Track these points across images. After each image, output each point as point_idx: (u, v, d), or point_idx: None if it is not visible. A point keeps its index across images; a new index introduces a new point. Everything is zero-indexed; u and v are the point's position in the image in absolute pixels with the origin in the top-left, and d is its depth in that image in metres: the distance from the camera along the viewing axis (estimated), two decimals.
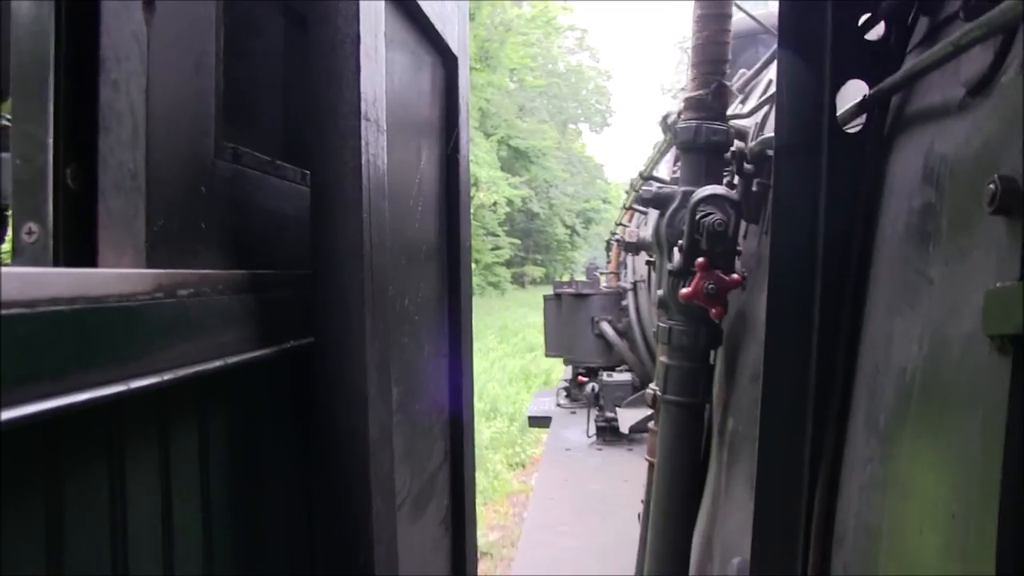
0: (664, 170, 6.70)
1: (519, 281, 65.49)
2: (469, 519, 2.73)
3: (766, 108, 3.51)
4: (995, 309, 1.35)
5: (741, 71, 4.88)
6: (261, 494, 1.68)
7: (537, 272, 69.69)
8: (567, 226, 74.38)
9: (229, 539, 1.54)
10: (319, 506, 1.72)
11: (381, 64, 1.79)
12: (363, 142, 1.65)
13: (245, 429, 1.61)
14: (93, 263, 1.20)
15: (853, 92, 2.12)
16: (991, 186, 1.36)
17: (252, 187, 1.76)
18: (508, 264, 58.98)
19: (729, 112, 3.72)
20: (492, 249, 54.16)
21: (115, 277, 1.15)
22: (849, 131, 2.13)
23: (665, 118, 4.55)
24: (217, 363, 1.38)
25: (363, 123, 1.65)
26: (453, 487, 2.62)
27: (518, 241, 61.04)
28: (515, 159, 59.26)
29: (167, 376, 1.20)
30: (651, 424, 4.19)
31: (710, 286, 3.17)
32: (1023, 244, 1.31)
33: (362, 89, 1.65)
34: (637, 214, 8.75)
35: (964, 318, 1.52)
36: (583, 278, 11.77)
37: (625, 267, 11.29)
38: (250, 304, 1.55)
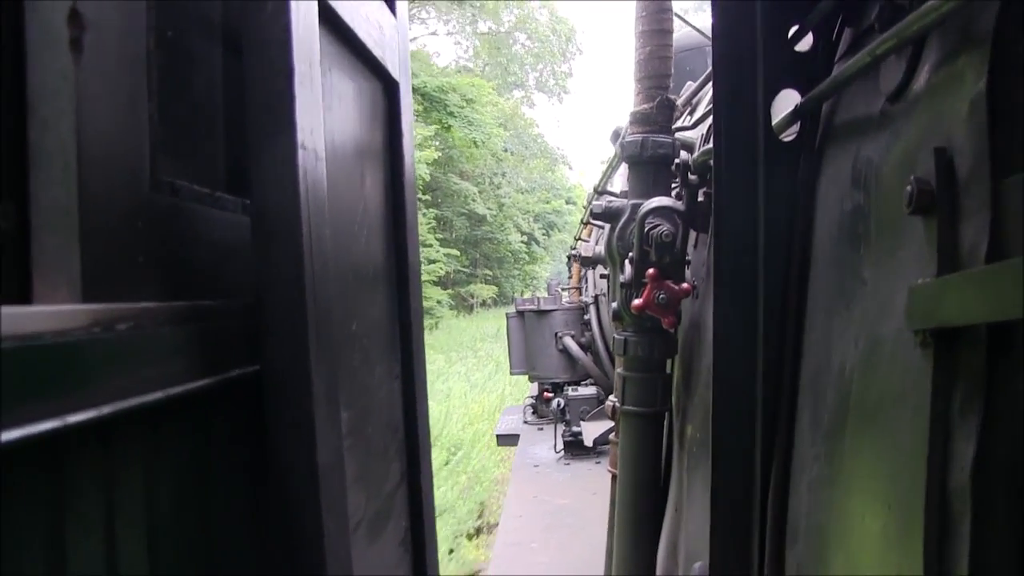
0: (618, 184, 6.75)
1: (464, 305, 53.36)
2: (429, 539, 2.74)
3: (710, 119, 3.56)
4: (916, 305, 1.40)
5: (688, 83, 4.94)
6: (211, 523, 1.69)
7: (487, 292, 55.64)
8: (523, 233, 61.01)
9: (179, 572, 1.54)
10: (271, 532, 1.73)
11: (317, 93, 1.81)
12: (300, 171, 1.66)
13: (192, 459, 1.62)
14: (28, 302, 1.21)
15: (787, 101, 2.16)
16: (908, 188, 1.41)
17: (191, 219, 1.77)
18: (445, 283, 47.04)
19: (677, 124, 3.77)
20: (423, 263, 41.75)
21: (49, 314, 1.16)
22: (784, 139, 2.18)
23: (616, 133, 4.60)
24: (159, 394, 1.38)
25: (300, 152, 1.66)
26: (411, 508, 2.63)
27: (457, 252, 47.71)
28: (426, 110, 38.76)
29: (106, 409, 1.21)
30: (612, 436, 4.22)
31: (661, 296, 3.22)
32: (938, 242, 1.36)
33: (298, 118, 1.66)
34: (596, 229, 8.81)
35: (894, 316, 1.57)
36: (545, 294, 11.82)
37: (586, 281, 11.35)
38: (193, 335, 1.56)
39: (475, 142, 44.99)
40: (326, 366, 1.76)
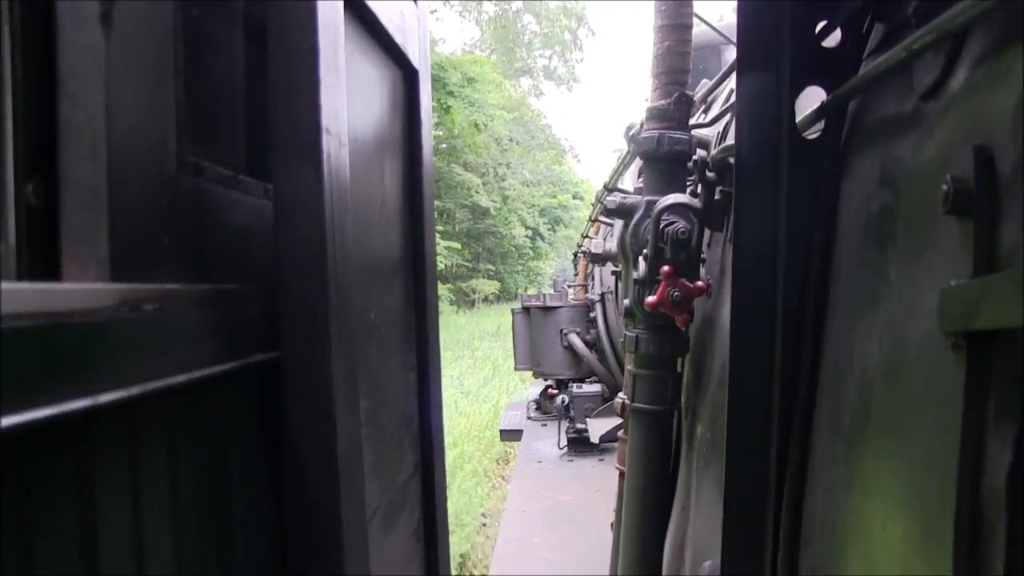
0: (629, 181, 6.73)
1: (465, 300, 50.92)
2: (441, 530, 2.73)
3: (728, 117, 3.54)
4: (949, 307, 1.38)
5: (703, 81, 4.92)
6: (232, 507, 1.68)
7: (489, 287, 53.75)
8: (528, 227, 58.08)
9: (200, 553, 1.53)
10: (290, 518, 1.72)
11: (342, 77, 1.79)
12: (324, 155, 1.65)
13: (214, 442, 1.61)
14: (57, 279, 1.20)
15: (812, 99, 2.14)
16: (944, 187, 1.39)
17: (215, 202, 1.76)
18: (446, 277, 46.03)
19: (692, 122, 3.75)
20: None
21: (79, 292, 1.15)
22: (808, 137, 2.16)
23: (629, 129, 4.58)
24: (183, 377, 1.37)
25: (324, 136, 1.65)
26: (424, 499, 2.62)
27: (458, 245, 46.72)
28: None
29: (134, 390, 1.20)
30: (620, 433, 4.21)
31: (675, 294, 3.20)
32: (975, 243, 1.34)
33: (322, 102, 1.65)
34: (604, 226, 8.79)
35: (921, 317, 1.55)
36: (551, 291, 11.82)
37: (593, 279, 11.34)
38: (216, 318, 1.55)
39: (477, 125, 42.02)
40: (345, 354, 1.75)
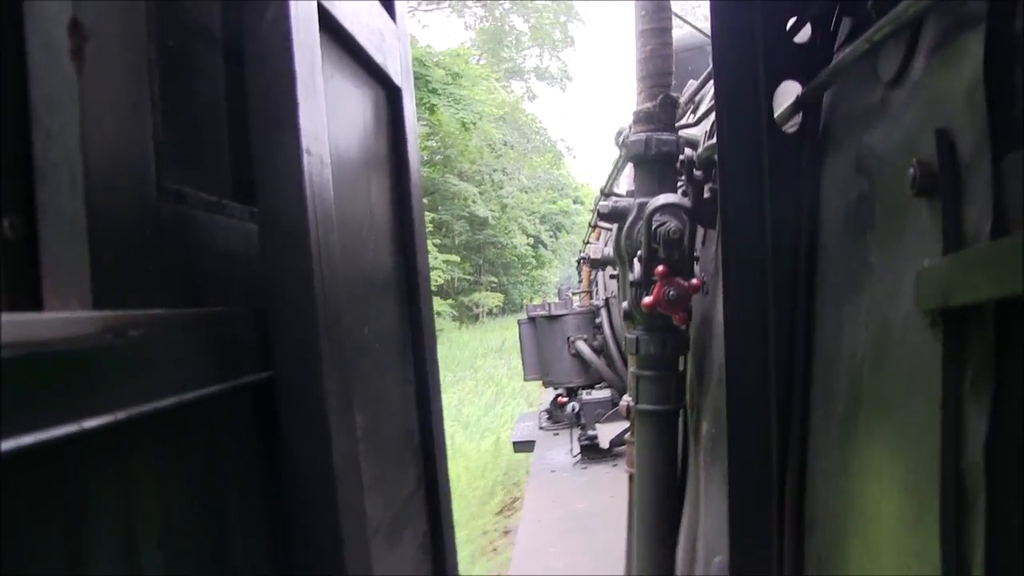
0: (624, 185, 6.76)
1: (468, 315, 48.12)
2: (448, 542, 2.74)
3: (713, 115, 3.56)
4: (924, 286, 1.40)
5: (690, 82, 4.95)
6: (228, 529, 1.69)
7: (492, 300, 50.99)
8: (529, 235, 55.21)
9: None
10: (289, 537, 1.73)
11: (320, 99, 1.81)
12: (307, 176, 1.67)
13: (207, 464, 1.62)
14: (39, 310, 1.22)
15: (789, 93, 2.17)
16: (911, 170, 1.42)
17: (199, 227, 1.78)
18: (447, 292, 43.94)
19: (680, 122, 3.78)
20: None
21: (61, 321, 1.17)
22: (787, 131, 2.18)
23: (619, 134, 4.60)
24: (172, 399, 1.39)
25: (305, 158, 1.67)
26: (430, 511, 2.63)
27: (457, 258, 43.56)
28: None
29: (121, 414, 1.22)
30: (628, 435, 4.22)
31: (671, 293, 3.22)
32: (943, 223, 1.36)
33: (302, 125, 1.67)
34: (603, 231, 8.80)
35: (901, 299, 1.57)
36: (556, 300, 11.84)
37: (596, 285, 11.36)
38: (204, 340, 1.57)
39: (464, 124, 38.97)
40: (338, 371, 1.77)
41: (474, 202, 45.92)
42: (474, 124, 40.29)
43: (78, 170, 1.32)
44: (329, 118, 1.88)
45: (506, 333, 36.58)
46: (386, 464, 2.25)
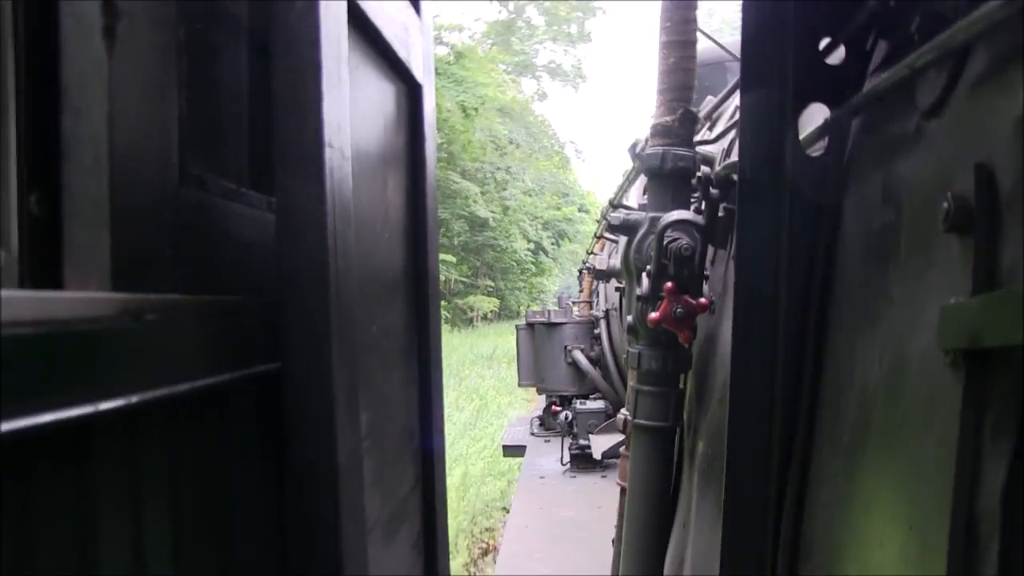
0: (634, 197, 6.74)
1: (462, 318, 47.08)
2: (441, 542, 2.73)
3: (732, 134, 3.56)
4: (949, 324, 1.38)
5: (708, 98, 4.94)
6: (232, 517, 1.68)
7: (488, 304, 49.40)
8: (531, 240, 53.63)
9: (200, 564, 1.54)
10: (290, 528, 1.72)
11: (344, 92, 1.80)
12: (327, 169, 1.66)
13: (215, 452, 1.61)
14: (59, 289, 1.21)
15: (815, 116, 2.15)
16: (945, 205, 1.39)
17: (218, 214, 1.77)
18: (442, 293, 35.76)
19: (697, 138, 3.77)
20: None
21: (81, 301, 1.16)
22: (811, 154, 2.16)
23: (634, 146, 4.59)
24: (185, 386, 1.38)
25: (327, 150, 1.66)
26: (425, 511, 2.62)
27: (454, 259, 42.68)
28: None
29: (134, 399, 1.21)
30: (623, 449, 4.21)
31: (678, 310, 3.21)
32: (974, 261, 1.34)
33: (325, 117, 1.66)
34: (608, 243, 8.79)
35: (921, 334, 1.55)
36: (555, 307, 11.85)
37: (597, 295, 11.35)
38: (217, 329, 1.56)
39: (464, 109, 37.58)
40: (347, 367, 1.75)
41: (475, 202, 44.88)
42: (475, 111, 38.63)
43: (103, 150, 1.31)
44: (351, 111, 1.87)
45: (499, 340, 36.23)
46: (386, 462, 2.24)
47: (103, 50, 1.33)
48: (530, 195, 55.52)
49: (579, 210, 63.01)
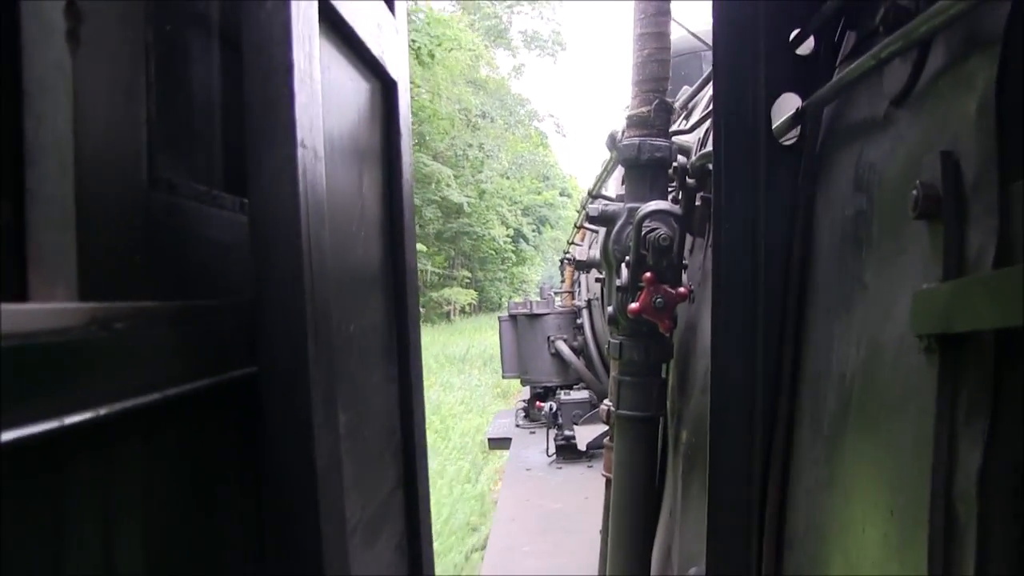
0: (613, 188, 6.75)
1: (438, 312, 43.57)
2: (425, 542, 2.72)
3: (707, 123, 3.56)
4: (921, 310, 1.39)
5: (684, 88, 4.94)
6: (209, 525, 1.67)
7: (466, 297, 45.86)
8: (510, 227, 50.03)
9: (178, 573, 1.52)
10: (268, 533, 1.71)
11: (317, 91, 1.79)
12: (300, 169, 1.64)
13: (191, 460, 1.60)
14: (24, 299, 1.19)
15: (788, 105, 2.16)
16: (913, 192, 1.40)
17: (189, 217, 1.75)
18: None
19: (673, 128, 3.77)
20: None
21: (46, 312, 1.14)
22: (785, 143, 2.17)
23: (611, 136, 4.59)
24: (157, 395, 1.37)
25: (299, 150, 1.64)
26: (407, 511, 2.61)
27: (426, 249, 39.08)
28: None
29: (103, 410, 1.19)
30: (607, 440, 4.21)
31: (658, 300, 3.21)
32: (944, 247, 1.34)
33: (297, 116, 1.65)
34: (589, 233, 8.80)
35: (895, 320, 1.56)
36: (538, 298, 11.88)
37: (579, 285, 11.37)
38: (190, 334, 1.55)
39: (419, 56, 33.24)
40: (324, 368, 1.74)
41: (448, 186, 41.50)
42: (431, 57, 34.98)
43: (68, 155, 1.29)
44: (324, 110, 1.85)
45: (476, 336, 33.91)
46: (367, 463, 2.23)
47: (67, 53, 1.32)
48: (508, 177, 52.20)
49: (561, 194, 60.48)
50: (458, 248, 47.54)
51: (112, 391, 1.24)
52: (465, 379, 23.22)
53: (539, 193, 57.55)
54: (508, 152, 49.76)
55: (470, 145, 45.12)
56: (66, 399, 1.12)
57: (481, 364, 26.09)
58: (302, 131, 1.67)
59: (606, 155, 6.95)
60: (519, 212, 53.45)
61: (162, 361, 1.43)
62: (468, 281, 49.01)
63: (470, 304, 48.35)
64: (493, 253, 50.44)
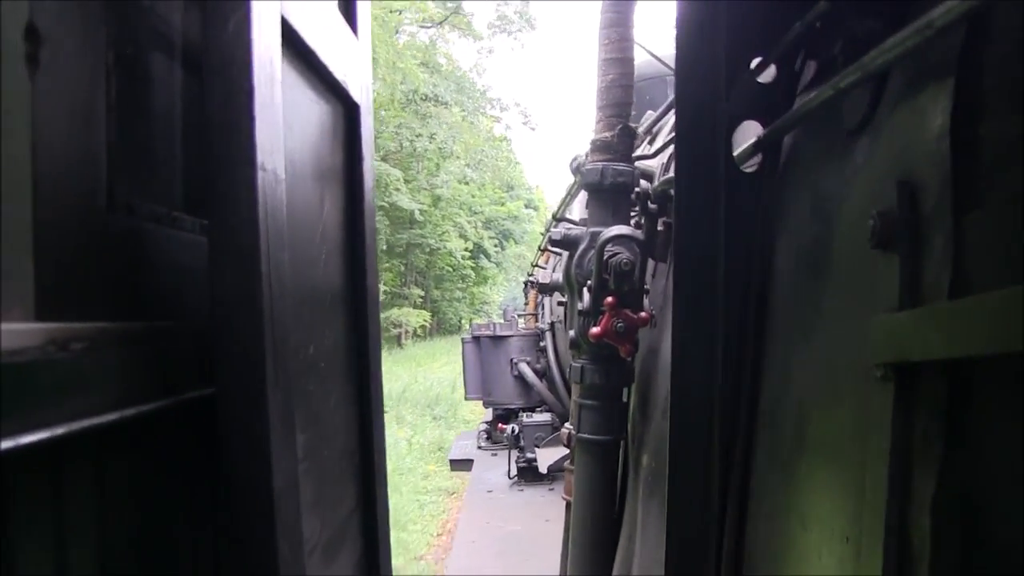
0: (577, 211, 6.77)
1: (386, 336, 35.59)
2: (384, 563, 2.71)
3: (671, 149, 3.58)
4: (879, 338, 1.40)
5: (648, 113, 4.97)
6: (164, 546, 1.66)
7: (417, 319, 40.17)
8: (468, 240, 44.43)
9: None
10: (226, 556, 1.70)
11: (278, 114, 1.79)
12: (259, 192, 1.64)
13: (146, 481, 1.59)
14: None
15: (749, 132, 2.17)
16: (871, 222, 1.41)
17: (148, 239, 1.74)
18: None
19: (637, 153, 3.79)
20: None
21: (3, 332, 1.14)
22: (746, 170, 2.18)
23: (574, 160, 4.61)
24: (114, 415, 1.36)
25: (259, 173, 1.64)
26: (365, 532, 2.60)
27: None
28: None
29: (60, 431, 1.19)
30: (567, 463, 4.22)
31: (619, 324, 3.22)
32: (900, 276, 1.36)
33: (257, 139, 1.64)
34: (553, 255, 8.83)
35: (852, 348, 1.57)
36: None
37: (543, 308, 11.38)
38: (148, 356, 1.54)
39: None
40: (282, 390, 1.74)
41: (397, 190, 35.69)
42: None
43: (27, 177, 1.29)
44: (286, 133, 1.85)
45: (425, 365, 28.77)
46: (325, 484, 2.22)
47: (26, 76, 1.31)
48: (467, 182, 44.63)
49: (526, 206, 55.34)
50: (409, 263, 42.64)
51: (69, 411, 1.23)
52: (391, 437, 15.55)
53: (502, 204, 52.18)
54: (464, 145, 41.42)
55: (419, 135, 37.35)
56: (22, 419, 1.11)
57: (421, 408, 20.39)
58: (262, 154, 1.67)
59: (567, 186, 6.99)
60: (479, 224, 48.05)
61: (119, 381, 1.43)
62: (421, 300, 43.81)
63: (422, 326, 42.75)
64: (450, 269, 45.57)
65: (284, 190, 1.80)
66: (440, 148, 38.86)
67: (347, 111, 2.60)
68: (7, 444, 1.06)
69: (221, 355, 1.66)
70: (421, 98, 37.65)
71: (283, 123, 1.83)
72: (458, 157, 41.17)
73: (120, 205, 1.63)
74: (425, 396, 21.87)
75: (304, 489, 1.92)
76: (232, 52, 1.65)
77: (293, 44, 1.99)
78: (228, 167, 1.64)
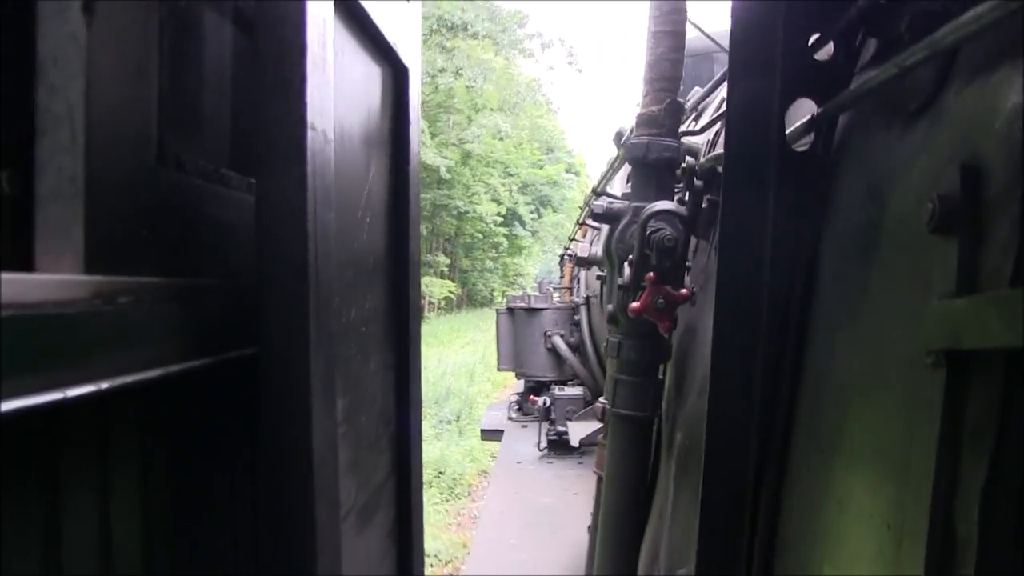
0: (618, 186, 6.74)
1: None
2: (416, 530, 2.72)
3: (718, 126, 3.54)
4: (932, 324, 1.37)
5: (695, 89, 4.92)
6: (204, 505, 1.66)
7: (440, 290, 36.71)
8: (501, 203, 40.22)
9: (169, 552, 1.52)
10: (263, 516, 1.70)
11: (329, 74, 1.78)
12: (309, 152, 1.63)
13: (187, 438, 1.59)
14: (31, 269, 1.18)
15: (802, 110, 2.14)
16: (930, 205, 1.38)
17: (196, 196, 1.74)
18: None
19: (682, 129, 3.75)
20: None
21: (52, 283, 1.14)
22: (797, 149, 2.15)
23: (619, 134, 4.57)
24: (158, 371, 1.36)
25: (309, 133, 1.63)
26: (399, 499, 2.61)
27: None
28: None
29: (105, 384, 1.19)
30: (600, 437, 4.21)
31: (659, 301, 3.19)
32: (958, 261, 1.33)
33: (308, 99, 1.63)
34: (591, 230, 8.79)
35: (902, 333, 1.54)
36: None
37: (578, 282, 11.36)
38: (193, 313, 1.54)
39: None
40: (324, 353, 1.73)
41: (422, 143, 24.97)
42: None
43: (79, 127, 1.28)
44: (335, 93, 1.84)
45: (449, 344, 25.78)
46: (362, 449, 2.22)
47: (82, 25, 1.31)
48: (501, 138, 40.16)
49: (567, 171, 50.17)
50: (435, 227, 39.15)
51: (115, 365, 1.23)
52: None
53: (541, 167, 47.57)
54: (496, 84, 37.11)
55: (442, 70, 33.85)
56: (70, 371, 1.11)
57: (427, 405, 14.86)
58: (312, 113, 1.66)
59: (608, 160, 6.94)
60: (514, 188, 44.17)
61: (164, 338, 1.43)
62: (447, 269, 40.78)
63: (447, 298, 39.74)
64: (481, 236, 42.43)
65: (332, 151, 1.79)
66: (468, 87, 34.50)
67: (396, 74, 2.58)
68: (55, 396, 1.06)
69: (265, 316, 1.65)
70: (447, 27, 33.73)
71: (333, 83, 1.82)
72: (487, 104, 36.18)
73: (169, 159, 1.62)
74: (434, 390, 18.65)
75: (342, 453, 1.92)
76: (286, 11, 1.64)
77: (346, 5, 1.98)
78: (278, 125, 1.63)
